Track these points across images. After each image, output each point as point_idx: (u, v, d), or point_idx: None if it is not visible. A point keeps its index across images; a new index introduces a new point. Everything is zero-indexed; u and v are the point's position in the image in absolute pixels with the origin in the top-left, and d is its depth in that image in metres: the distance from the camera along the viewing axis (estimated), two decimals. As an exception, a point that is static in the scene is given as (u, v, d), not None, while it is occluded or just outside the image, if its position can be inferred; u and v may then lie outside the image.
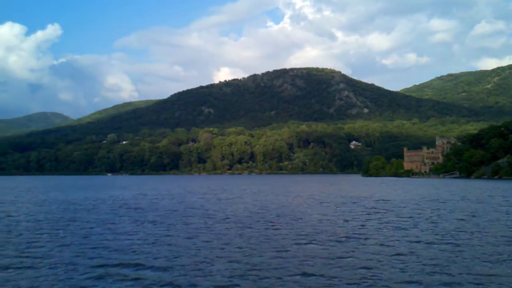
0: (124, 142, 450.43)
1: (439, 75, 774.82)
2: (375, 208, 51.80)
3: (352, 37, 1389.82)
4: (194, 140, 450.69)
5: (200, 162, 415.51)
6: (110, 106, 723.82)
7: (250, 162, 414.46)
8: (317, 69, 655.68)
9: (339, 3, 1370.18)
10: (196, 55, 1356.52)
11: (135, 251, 25.77)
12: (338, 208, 52.14)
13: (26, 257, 24.23)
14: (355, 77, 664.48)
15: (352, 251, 25.45)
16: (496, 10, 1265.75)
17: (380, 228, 34.61)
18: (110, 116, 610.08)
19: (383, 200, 66.11)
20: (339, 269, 21.42)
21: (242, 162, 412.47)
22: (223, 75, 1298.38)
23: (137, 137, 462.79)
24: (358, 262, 22.67)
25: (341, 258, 23.73)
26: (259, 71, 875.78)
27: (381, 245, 27.35)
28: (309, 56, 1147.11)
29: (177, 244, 27.81)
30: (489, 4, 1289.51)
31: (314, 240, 29.36)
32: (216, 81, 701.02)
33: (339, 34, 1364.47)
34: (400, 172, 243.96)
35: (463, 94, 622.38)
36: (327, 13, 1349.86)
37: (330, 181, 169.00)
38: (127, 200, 68.46)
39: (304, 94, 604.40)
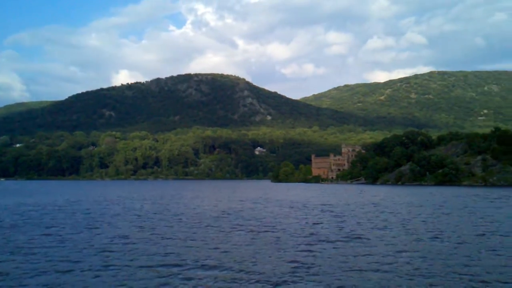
0: (18, 145, 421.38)
1: (336, 86, 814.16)
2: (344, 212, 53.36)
3: (253, 45, 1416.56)
4: (94, 144, 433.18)
5: (102, 167, 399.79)
6: (1, 106, 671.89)
7: (155, 167, 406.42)
8: (222, 76, 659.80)
9: (241, 11, 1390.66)
10: (94, 56, 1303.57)
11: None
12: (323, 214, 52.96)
13: None
14: (256, 85, 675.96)
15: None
16: (387, 27, 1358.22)
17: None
18: (0, 117, 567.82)
19: (328, 204, 68.17)
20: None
21: (146, 167, 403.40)
22: (123, 77, 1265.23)
23: (32, 140, 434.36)
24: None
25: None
26: (160, 75, 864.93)
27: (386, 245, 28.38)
28: (211, 62, 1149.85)
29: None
30: (380, 21, 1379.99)
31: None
32: (115, 84, 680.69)
33: (240, 42, 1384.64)
34: (308, 178, 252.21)
35: (359, 104, 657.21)
36: (229, 20, 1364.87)
37: (251, 187, 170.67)
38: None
39: (209, 99, 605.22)
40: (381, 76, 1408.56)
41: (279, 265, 23.93)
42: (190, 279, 21.35)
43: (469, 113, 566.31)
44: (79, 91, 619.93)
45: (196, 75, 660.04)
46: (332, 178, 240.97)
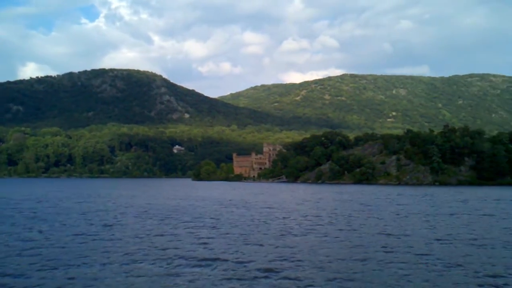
0: None
1: (253, 85, 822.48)
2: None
3: (169, 42, 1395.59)
4: (2, 140, 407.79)
5: (10, 164, 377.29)
6: None
7: (68, 165, 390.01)
8: (138, 72, 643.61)
9: (157, 7, 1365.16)
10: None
11: None
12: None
13: None
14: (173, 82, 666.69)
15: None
16: (302, 29, 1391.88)
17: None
18: None
19: (272, 204, 69.74)
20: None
21: (59, 165, 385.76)
22: (30, 71, 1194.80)
23: None
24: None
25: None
26: (71, 69, 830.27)
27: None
28: (125, 57, 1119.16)
29: None
30: (295, 23, 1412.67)
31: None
32: (22, 77, 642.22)
33: (156, 38, 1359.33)
34: (231, 177, 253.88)
35: (276, 104, 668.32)
36: (144, 16, 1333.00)
37: (176, 185, 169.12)
38: None
39: (124, 96, 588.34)
40: (295, 77, 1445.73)
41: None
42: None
43: (379, 115, 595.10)
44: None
45: (111, 70, 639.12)
46: (254, 176, 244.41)
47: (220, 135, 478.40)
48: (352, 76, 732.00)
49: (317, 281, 21.24)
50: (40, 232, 36.61)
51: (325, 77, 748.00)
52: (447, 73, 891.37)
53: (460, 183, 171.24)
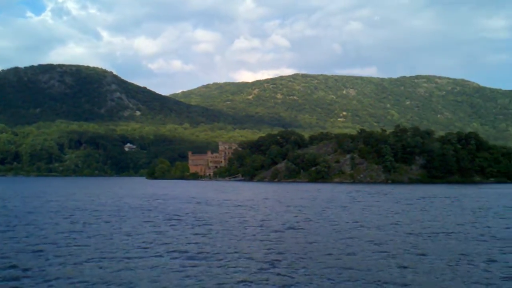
0: None
1: (205, 83, 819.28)
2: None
3: (119, 38, 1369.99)
4: None
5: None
6: None
7: (15, 163, 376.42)
8: (87, 68, 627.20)
9: (105, 2, 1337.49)
10: None
11: None
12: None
13: None
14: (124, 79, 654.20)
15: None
16: (253, 29, 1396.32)
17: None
18: None
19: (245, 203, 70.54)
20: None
21: (5, 163, 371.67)
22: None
23: None
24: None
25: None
26: (16, 63, 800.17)
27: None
28: (73, 53, 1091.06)
29: None
30: (247, 22, 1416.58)
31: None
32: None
33: (105, 34, 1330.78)
34: (186, 175, 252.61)
35: (228, 102, 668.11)
36: (92, 11, 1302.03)
37: (133, 183, 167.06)
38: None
39: (73, 92, 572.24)
40: (247, 76, 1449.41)
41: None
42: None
43: (330, 115, 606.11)
44: None
45: (60, 66, 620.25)
46: (210, 175, 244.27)
47: (172, 133, 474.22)
48: (304, 76, 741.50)
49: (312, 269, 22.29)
50: None
51: (277, 76, 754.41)
52: (394, 75, 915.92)
53: (411, 181, 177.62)
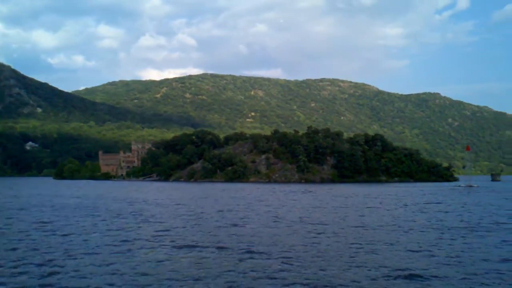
0: None
1: (110, 80, 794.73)
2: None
3: (15, 30, 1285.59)
4: None
5: None
6: None
7: None
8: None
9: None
10: None
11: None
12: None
13: None
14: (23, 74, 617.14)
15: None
16: (159, 26, 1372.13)
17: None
18: None
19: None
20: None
21: None
22: None
23: None
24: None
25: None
26: None
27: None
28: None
29: None
30: (153, 19, 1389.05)
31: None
32: None
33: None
34: (97, 175, 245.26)
35: (135, 101, 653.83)
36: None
37: (47, 184, 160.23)
38: None
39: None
40: (153, 74, 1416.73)
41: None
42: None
43: (238, 115, 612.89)
44: None
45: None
46: (123, 175, 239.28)
47: (77, 132, 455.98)
48: (213, 75, 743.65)
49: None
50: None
51: (184, 75, 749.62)
52: (299, 77, 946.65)
53: (323, 181, 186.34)
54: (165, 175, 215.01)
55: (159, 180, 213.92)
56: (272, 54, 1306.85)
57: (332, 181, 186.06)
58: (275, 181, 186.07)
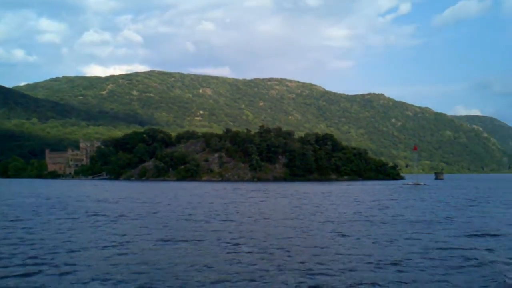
0: None
1: (54, 76, 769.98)
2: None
3: None
4: None
5: None
6: None
7: None
8: None
9: None
10: None
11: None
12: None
13: None
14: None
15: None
16: (104, 22, 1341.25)
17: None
18: None
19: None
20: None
21: None
22: None
23: None
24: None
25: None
26: None
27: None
28: None
29: None
30: (97, 15, 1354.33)
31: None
32: None
33: None
34: (44, 174, 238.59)
35: (80, 97, 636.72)
36: None
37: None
38: None
39: None
40: (97, 70, 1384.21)
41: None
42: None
43: (187, 113, 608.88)
44: None
45: None
46: (71, 173, 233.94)
47: (19, 128, 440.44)
48: (160, 73, 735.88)
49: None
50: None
51: (131, 72, 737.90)
52: (247, 76, 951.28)
53: (275, 179, 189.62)
54: (115, 174, 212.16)
55: (109, 179, 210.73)
56: (219, 53, 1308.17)
57: (284, 179, 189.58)
58: (228, 180, 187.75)
